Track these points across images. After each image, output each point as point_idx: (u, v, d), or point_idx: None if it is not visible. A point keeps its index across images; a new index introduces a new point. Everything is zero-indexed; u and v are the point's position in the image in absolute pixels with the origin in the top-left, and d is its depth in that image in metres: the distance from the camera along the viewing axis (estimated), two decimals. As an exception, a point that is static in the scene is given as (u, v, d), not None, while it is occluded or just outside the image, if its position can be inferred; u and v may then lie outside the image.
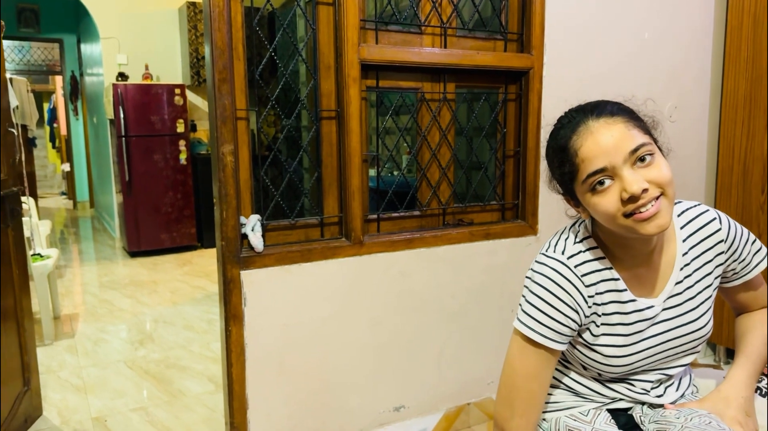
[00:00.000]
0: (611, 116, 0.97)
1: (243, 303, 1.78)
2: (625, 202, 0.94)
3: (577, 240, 1.08)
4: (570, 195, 1.04)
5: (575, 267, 1.04)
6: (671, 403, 1.14)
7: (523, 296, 1.08)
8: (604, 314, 1.07)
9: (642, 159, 0.95)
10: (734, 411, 1.07)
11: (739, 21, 2.43)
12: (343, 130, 1.88)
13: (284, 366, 1.87)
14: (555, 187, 1.09)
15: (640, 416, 1.15)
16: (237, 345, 1.79)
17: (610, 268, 1.07)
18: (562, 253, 1.06)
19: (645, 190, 0.93)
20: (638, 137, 0.95)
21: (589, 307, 1.05)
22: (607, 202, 0.96)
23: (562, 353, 1.16)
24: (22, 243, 2.30)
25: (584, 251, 1.07)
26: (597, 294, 1.06)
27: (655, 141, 1.00)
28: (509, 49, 2.14)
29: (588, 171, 0.96)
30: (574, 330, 1.06)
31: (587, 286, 1.05)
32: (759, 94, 2.39)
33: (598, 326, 1.07)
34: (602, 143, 0.94)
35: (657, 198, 0.94)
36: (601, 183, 0.95)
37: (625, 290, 1.07)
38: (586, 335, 1.08)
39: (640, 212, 0.94)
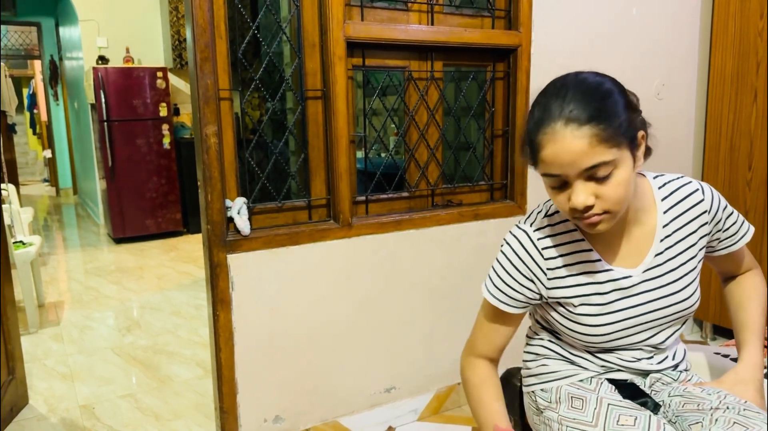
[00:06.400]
0: (580, 126, 0.91)
1: (230, 287, 1.76)
2: (570, 209, 0.97)
3: (549, 213, 1.13)
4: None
5: (538, 239, 1.09)
6: (663, 371, 1.15)
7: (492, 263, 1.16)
8: (577, 284, 1.09)
9: (599, 174, 0.93)
10: (753, 393, 1.08)
11: (726, -3, 2.41)
12: (330, 111, 1.85)
13: (273, 350, 1.86)
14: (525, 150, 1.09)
15: (641, 386, 1.15)
16: (225, 330, 1.77)
17: (582, 240, 1.10)
18: (530, 225, 1.11)
19: (589, 207, 0.95)
20: (600, 154, 0.91)
21: (549, 279, 1.09)
22: (559, 200, 0.99)
23: (551, 325, 1.17)
24: (3, 230, 2.26)
25: (554, 224, 1.11)
26: (566, 265, 1.09)
27: (632, 142, 0.96)
28: (497, 26, 2.11)
29: (544, 171, 0.97)
30: (532, 299, 1.12)
31: (547, 259, 1.09)
32: (746, 70, 2.39)
33: (571, 298, 1.09)
34: (560, 155, 0.93)
35: (601, 214, 0.96)
36: (555, 179, 0.97)
37: (599, 260, 1.09)
38: (568, 306, 1.10)
39: (583, 219, 0.98)
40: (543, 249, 1.09)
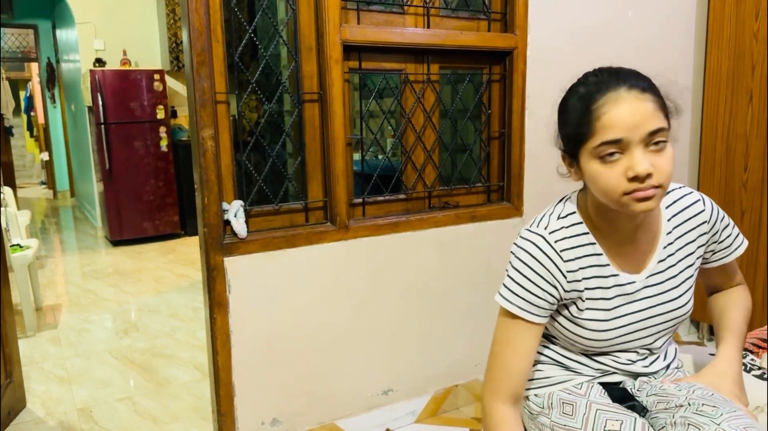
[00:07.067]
0: (643, 92, 0.96)
1: (227, 290, 1.76)
2: (629, 180, 0.95)
3: (561, 215, 1.10)
4: (571, 155, 1.04)
5: (555, 242, 1.06)
6: (655, 373, 1.16)
7: (506, 270, 1.11)
8: (587, 288, 1.09)
9: (656, 143, 0.95)
10: (731, 385, 1.11)
11: (721, -1, 2.42)
12: (326, 113, 1.85)
13: (271, 353, 1.86)
14: (558, 142, 1.09)
15: (631, 389, 1.16)
16: (222, 333, 1.77)
17: (594, 243, 1.09)
18: (545, 228, 1.08)
19: (650, 175, 0.94)
20: (660, 121, 0.96)
21: (569, 282, 1.07)
22: (612, 175, 0.96)
23: (548, 329, 1.17)
24: (0, 233, 2.25)
25: (567, 227, 1.09)
26: (580, 269, 1.08)
27: (669, 128, 1.00)
28: (493, 29, 2.12)
29: (604, 138, 0.96)
30: (553, 304, 1.08)
31: (566, 261, 1.06)
32: (741, 72, 2.40)
33: (583, 301, 1.09)
34: (627, 116, 0.94)
35: (655, 187, 0.96)
36: (611, 155, 0.96)
37: (608, 265, 1.09)
38: (573, 309, 1.10)
39: (639, 191, 0.95)
40: (562, 251, 1.06)
